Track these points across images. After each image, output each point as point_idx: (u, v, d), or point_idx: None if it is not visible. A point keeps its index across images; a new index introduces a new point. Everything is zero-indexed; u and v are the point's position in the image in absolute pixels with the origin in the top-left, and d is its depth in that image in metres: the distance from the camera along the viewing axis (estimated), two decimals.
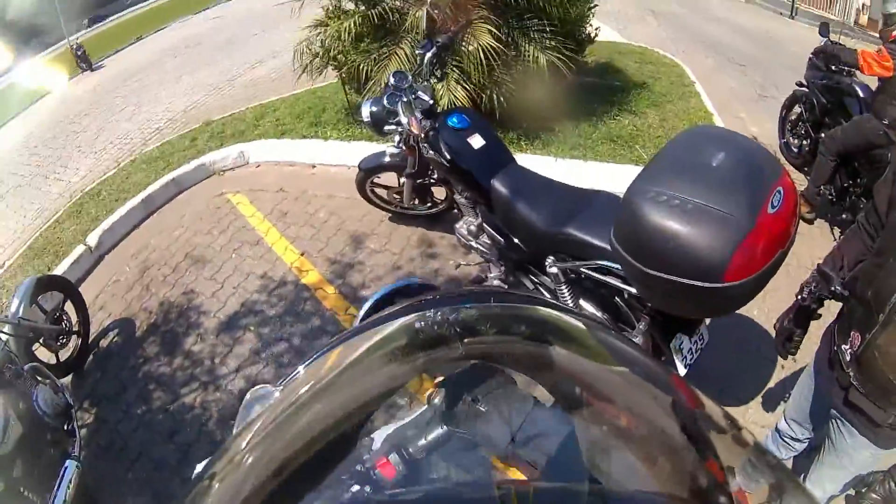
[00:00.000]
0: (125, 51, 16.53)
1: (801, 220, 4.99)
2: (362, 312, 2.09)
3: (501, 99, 5.73)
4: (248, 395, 1.61)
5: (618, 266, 2.89)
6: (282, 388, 1.55)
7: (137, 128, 9.55)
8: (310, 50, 6.67)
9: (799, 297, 2.42)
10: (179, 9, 20.15)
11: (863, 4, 14.35)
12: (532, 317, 1.55)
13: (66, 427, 3.90)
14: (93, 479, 3.93)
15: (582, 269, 3.20)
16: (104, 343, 5.14)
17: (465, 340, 1.36)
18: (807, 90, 5.70)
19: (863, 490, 2.33)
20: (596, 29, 7.12)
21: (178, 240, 6.07)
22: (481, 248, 4.16)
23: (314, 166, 6.59)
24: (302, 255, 5.35)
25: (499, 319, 1.52)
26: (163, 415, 4.33)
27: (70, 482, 3.42)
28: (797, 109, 6.05)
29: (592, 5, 6.81)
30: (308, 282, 5.07)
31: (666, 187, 2.37)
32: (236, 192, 6.56)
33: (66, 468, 3.47)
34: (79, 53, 15.58)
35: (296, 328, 4.72)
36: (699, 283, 2.31)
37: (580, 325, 1.51)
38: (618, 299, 3.24)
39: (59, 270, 5.64)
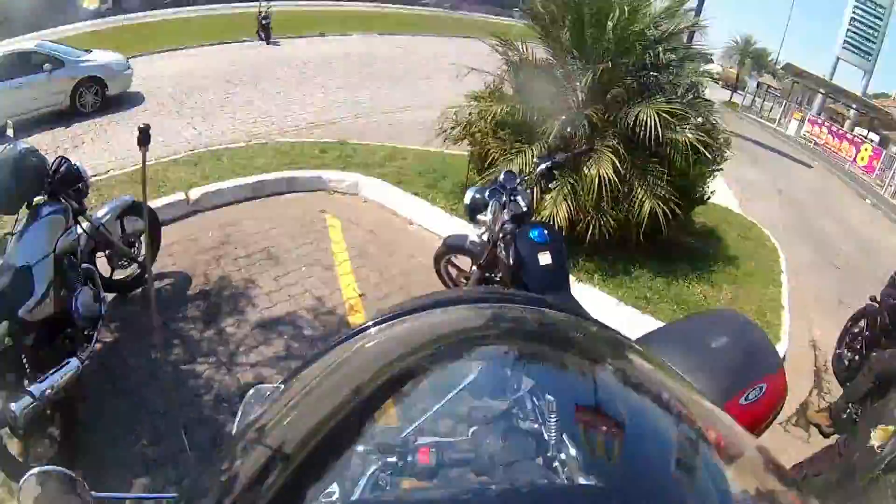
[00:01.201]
0: (305, 39, 17.02)
1: (819, 432, 5.00)
2: None
3: (598, 229, 5.76)
4: (248, 395, 1.71)
5: None
6: (282, 387, 1.60)
7: (283, 116, 10.03)
8: (455, 118, 6.91)
9: None
10: (373, 23, 20.86)
11: None
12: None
13: (86, 332, 4.23)
14: (85, 388, 4.19)
15: None
16: (157, 284, 5.38)
17: None
18: (877, 307, 5.58)
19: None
20: (711, 192, 7.10)
21: (267, 233, 6.37)
22: None
23: (412, 223, 6.79)
24: (360, 296, 5.49)
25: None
26: (171, 368, 4.54)
27: (65, 375, 3.68)
28: (861, 324, 5.89)
29: (715, 168, 6.82)
30: (353, 321, 5.12)
31: (660, 353, 2.38)
32: (335, 215, 6.85)
33: (68, 363, 3.75)
34: (264, 22, 15.88)
35: None
36: None
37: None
38: None
39: (152, 204, 5.68)
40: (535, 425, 1.33)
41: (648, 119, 5.58)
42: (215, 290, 5.45)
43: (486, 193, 4.23)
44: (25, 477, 1.70)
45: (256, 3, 17.21)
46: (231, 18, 19.70)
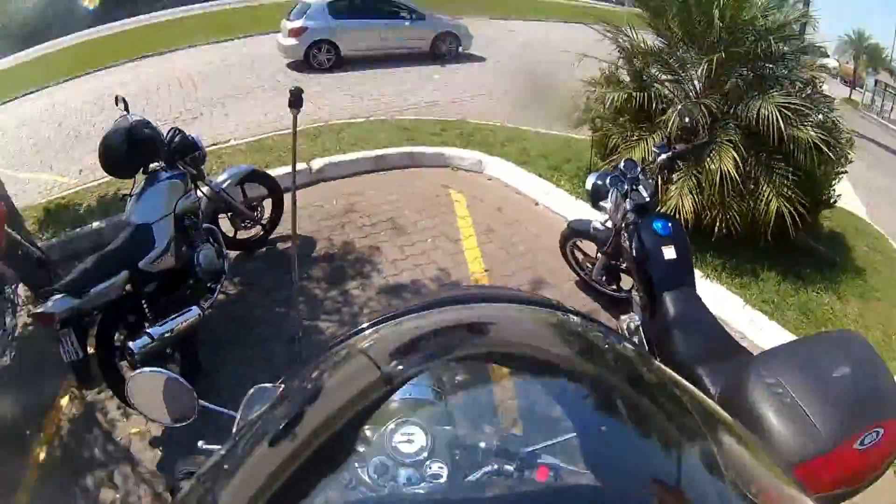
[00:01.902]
0: None
1: None
2: None
3: (724, 225, 5.55)
4: (248, 394, 1.69)
5: None
6: (282, 386, 1.60)
7: (400, 94, 10.08)
8: (575, 102, 6.84)
9: None
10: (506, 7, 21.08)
11: None
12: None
13: (210, 285, 4.63)
14: (205, 336, 4.51)
15: None
16: (281, 246, 5.66)
17: None
18: None
19: None
20: (838, 195, 6.74)
21: (391, 203, 6.40)
22: None
23: (538, 203, 6.68)
24: (486, 271, 5.43)
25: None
26: (292, 322, 4.61)
27: (185, 321, 4.06)
28: None
29: (841, 171, 6.45)
30: None
31: (781, 374, 2.40)
32: (460, 191, 6.84)
33: (190, 310, 4.12)
34: None
35: None
36: None
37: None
38: None
39: (274, 172, 6.02)
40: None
41: (769, 113, 5.35)
42: (340, 254, 5.56)
43: (608, 180, 4.17)
44: (137, 372, 1.78)
45: None
46: None
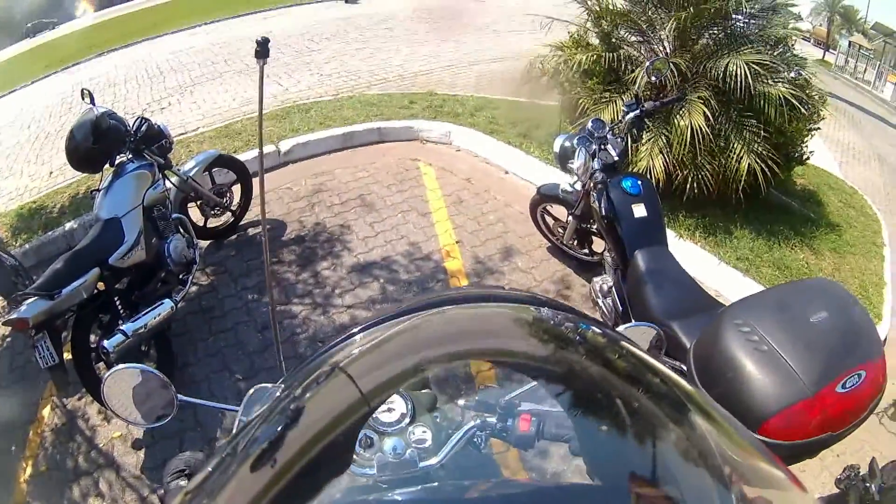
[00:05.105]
0: None
1: None
2: None
3: (696, 184, 5.55)
4: (248, 394, 1.67)
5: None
6: (282, 386, 1.57)
7: (368, 70, 9.92)
8: (542, 67, 6.77)
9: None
10: None
11: None
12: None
13: (181, 276, 4.60)
14: (179, 327, 4.61)
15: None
16: (252, 231, 5.63)
17: None
18: None
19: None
20: (810, 152, 6.73)
21: (360, 181, 6.35)
22: (604, 308, 4.21)
23: (507, 172, 6.64)
24: (457, 242, 5.43)
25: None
26: (265, 309, 4.72)
27: (158, 315, 4.09)
28: None
29: (814, 127, 6.46)
30: (449, 267, 5.14)
31: (755, 321, 2.39)
32: (429, 163, 6.75)
33: (162, 304, 4.15)
34: None
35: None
36: None
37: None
38: None
39: (242, 157, 6.01)
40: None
41: (738, 69, 5.33)
42: (311, 236, 5.51)
43: (576, 141, 4.16)
44: (112, 371, 1.73)
45: None
46: None
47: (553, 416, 1.39)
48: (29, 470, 4.07)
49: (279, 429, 1.36)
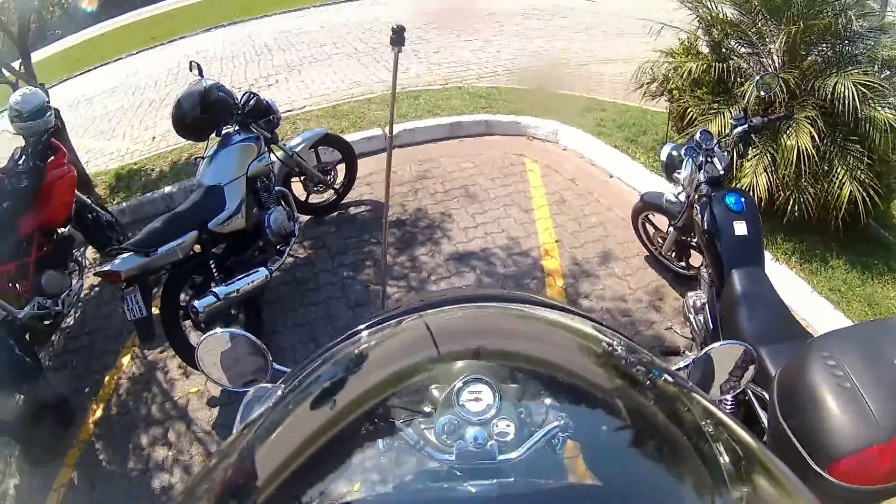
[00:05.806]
0: None
1: None
2: None
3: (797, 207, 5.27)
4: (248, 394, 1.65)
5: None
6: (282, 387, 1.55)
7: (477, 62, 9.89)
8: (652, 72, 6.59)
9: None
10: None
11: None
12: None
13: (279, 247, 4.70)
14: (272, 294, 4.76)
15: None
16: (353, 210, 5.71)
17: None
18: None
19: None
20: None
21: (465, 171, 6.32)
22: (695, 325, 4.10)
23: (612, 176, 6.52)
24: (556, 241, 5.32)
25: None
26: (359, 286, 4.80)
27: (252, 282, 4.19)
28: None
29: None
30: (546, 265, 5.04)
31: (841, 355, 2.32)
32: (535, 160, 6.67)
33: (258, 271, 4.27)
34: None
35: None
36: (805, 456, 2.22)
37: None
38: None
39: (349, 138, 6.07)
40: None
41: (846, 90, 5.06)
42: (411, 220, 5.52)
43: (683, 151, 4.07)
44: (209, 334, 1.75)
45: None
46: None
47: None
48: (99, 412, 4.22)
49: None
